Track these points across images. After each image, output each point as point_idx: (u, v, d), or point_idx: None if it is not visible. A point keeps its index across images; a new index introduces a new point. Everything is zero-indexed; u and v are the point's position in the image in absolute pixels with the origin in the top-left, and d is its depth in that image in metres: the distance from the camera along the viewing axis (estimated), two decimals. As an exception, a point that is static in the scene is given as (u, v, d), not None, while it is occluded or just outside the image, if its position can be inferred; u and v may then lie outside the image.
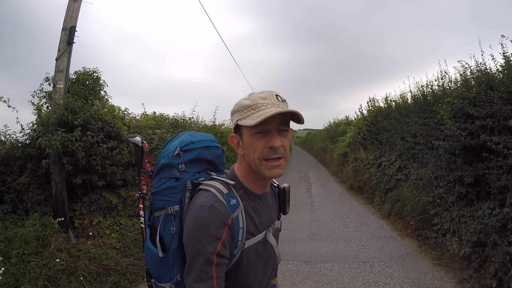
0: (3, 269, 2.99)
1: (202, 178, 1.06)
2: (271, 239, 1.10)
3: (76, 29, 4.21)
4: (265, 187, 1.10)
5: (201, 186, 1.03)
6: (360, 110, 10.97)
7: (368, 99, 10.21)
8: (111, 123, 4.35)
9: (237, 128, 1.03)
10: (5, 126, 4.12)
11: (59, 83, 4.09)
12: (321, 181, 11.17)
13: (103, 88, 4.94)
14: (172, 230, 1.02)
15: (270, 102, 0.97)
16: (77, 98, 4.18)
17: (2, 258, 3.12)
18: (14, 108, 4.04)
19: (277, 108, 0.96)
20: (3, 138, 4.09)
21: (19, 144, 4.13)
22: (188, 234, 0.95)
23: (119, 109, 5.02)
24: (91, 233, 4.07)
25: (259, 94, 1.00)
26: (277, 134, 0.97)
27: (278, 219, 1.21)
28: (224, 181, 1.03)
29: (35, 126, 4.18)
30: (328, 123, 19.33)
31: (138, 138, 1.23)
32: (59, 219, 3.94)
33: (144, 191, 1.24)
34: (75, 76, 4.73)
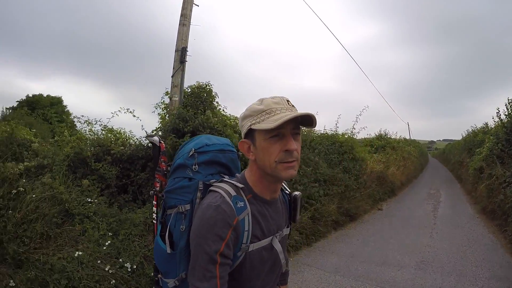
0: (109, 241, 3.76)
1: (214, 180, 1.10)
2: (277, 245, 1.12)
3: (187, 49, 4.91)
4: (275, 192, 1.12)
5: (211, 188, 1.07)
6: (498, 115, 8.93)
7: (507, 100, 8.25)
8: (220, 130, 4.70)
9: (249, 133, 1.05)
10: (130, 131, 5.21)
11: (174, 97, 4.88)
12: (451, 201, 9.81)
13: (215, 99, 5.41)
14: (182, 228, 1.08)
15: (283, 106, 1.01)
16: (189, 109, 4.80)
17: (111, 234, 3.93)
18: (137, 117, 5.08)
19: (290, 112, 0.99)
20: (131, 142, 5.14)
21: (143, 146, 5.07)
22: (194, 232, 1.00)
23: (235, 118, 5.37)
24: None
25: (272, 99, 1.03)
26: (291, 137, 1.00)
27: (287, 227, 1.23)
28: (233, 184, 1.06)
29: (156, 132, 5.09)
30: (465, 132, 17.54)
31: (156, 138, 1.33)
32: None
33: (157, 189, 1.31)
34: (190, 89, 5.42)
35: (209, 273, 0.95)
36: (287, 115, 0.97)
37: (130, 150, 4.99)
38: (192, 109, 4.90)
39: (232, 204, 1.01)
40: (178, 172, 1.17)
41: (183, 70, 5.05)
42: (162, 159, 1.32)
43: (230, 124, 5.10)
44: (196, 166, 1.14)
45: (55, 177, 4.53)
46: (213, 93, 5.54)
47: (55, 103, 20.57)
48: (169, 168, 1.25)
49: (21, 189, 4.09)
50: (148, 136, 1.35)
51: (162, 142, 1.33)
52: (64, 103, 22.47)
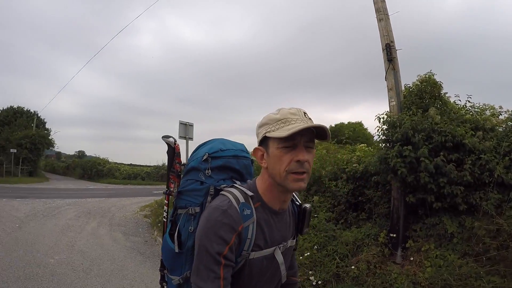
0: (308, 253, 4.10)
1: (225, 185, 1.17)
2: (279, 256, 1.16)
3: (392, 45, 4.29)
4: (284, 202, 1.15)
5: (221, 192, 1.13)
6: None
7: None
8: (445, 132, 3.86)
9: (263, 141, 1.10)
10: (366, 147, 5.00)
11: (391, 101, 4.32)
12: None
13: (441, 90, 4.32)
14: (190, 229, 1.15)
15: (299, 118, 1.05)
16: (406, 112, 4.20)
17: (317, 247, 4.23)
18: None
19: (306, 123, 1.03)
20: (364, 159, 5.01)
21: (376, 162, 4.69)
22: (199, 232, 1.05)
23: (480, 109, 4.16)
24: (411, 258, 3.84)
25: (289, 109, 1.08)
26: (304, 149, 1.04)
27: (294, 238, 1.27)
28: (243, 190, 1.11)
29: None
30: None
31: (171, 139, 1.36)
32: (392, 235, 4.13)
33: (171, 189, 1.37)
34: (412, 87, 4.57)
35: (213, 273, 0.99)
36: (302, 125, 1.01)
37: (362, 167, 4.97)
38: (415, 109, 4.20)
39: (239, 211, 1.05)
40: (191, 174, 1.24)
41: (394, 69, 4.43)
42: (176, 161, 1.35)
43: (470, 119, 4.08)
44: (209, 170, 1.20)
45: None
46: (438, 83, 4.50)
47: (355, 128, 23.03)
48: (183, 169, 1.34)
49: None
50: (164, 137, 1.38)
51: (177, 143, 1.37)
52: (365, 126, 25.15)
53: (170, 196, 1.35)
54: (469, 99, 4.69)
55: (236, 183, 1.16)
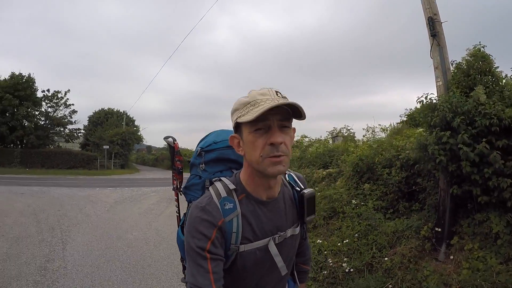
0: (347, 240, 4.30)
1: (216, 178, 1.16)
2: (272, 248, 1.12)
3: (436, 17, 4.15)
4: (270, 189, 1.11)
5: (209, 186, 1.15)
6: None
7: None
8: (493, 116, 3.54)
9: (238, 127, 1.07)
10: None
11: (438, 81, 4.18)
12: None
13: (493, 66, 3.98)
14: None
15: (269, 98, 1.00)
16: (455, 91, 3.93)
17: (358, 235, 4.40)
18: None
19: (276, 102, 0.98)
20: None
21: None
22: (185, 230, 1.08)
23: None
24: (452, 257, 3.75)
25: (258, 90, 1.03)
26: (278, 130, 1.00)
27: (297, 226, 1.22)
28: (226, 184, 1.10)
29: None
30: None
31: (170, 139, 1.43)
32: (437, 229, 4.08)
33: (174, 186, 1.46)
34: (463, 63, 4.25)
35: (202, 268, 1.00)
36: (268, 105, 0.96)
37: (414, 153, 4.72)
38: (455, 89, 3.97)
39: (219, 206, 1.05)
40: (193, 169, 1.30)
41: (439, 45, 4.21)
42: (177, 158, 1.43)
43: None
44: (203, 165, 1.24)
45: (343, 181, 5.49)
46: (488, 57, 4.08)
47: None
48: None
49: (316, 188, 5.45)
50: (164, 138, 1.46)
51: (176, 142, 1.44)
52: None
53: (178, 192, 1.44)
54: None
55: (223, 176, 1.17)
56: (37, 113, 30.31)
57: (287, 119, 1.01)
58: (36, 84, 29.56)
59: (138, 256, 5.23)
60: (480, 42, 4.18)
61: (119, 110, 41.37)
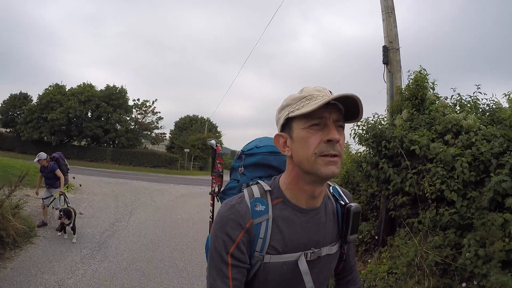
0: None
1: (253, 182, 1.11)
2: (303, 265, 0.99)
3: (390, 45, 5.37)
4: (313, 198, 1.02)
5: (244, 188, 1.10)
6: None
7: None
8: (401, 139, 4.30)
9: (286, 125, 1.01)
10: None
11: (387, 105, 5.32)
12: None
13: (427, 91, 4.91)
14: None
15: (325, 95, 0.96)
16: (396, 116, 4.88)
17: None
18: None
19: (341, 94, 0.92)
20: None
21: None
22: (211, 230, 1.03)
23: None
24: (369, 260, 4.55)
25: (313, 87, 0.99)
26: (335, 127, 0.94)
27: (335, 245, 1.10)
28: (262, 186, 1.06)
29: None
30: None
31: (213, 142, 1.49)
32: (376, 237, 4.87)
33: (213, 189, 1.49)
34: (405, 88, 5.07)
35: (221, 273, 0.96)
36: (332, 96, 0.92)
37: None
38: (406, 112, 4.75)
39: (249, 206, 1.00)
40: (232, 173, 1.30)
41: (390, 72, 5.23)
42: (218, 161, 1.47)
43: (448, 120, 4.28)
44: (242, 168, 1.24)
45: None
46: (423, 81, 4.87)
47: None
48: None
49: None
50: (208, 140, 1.50)
51: (218, 145, 1.48)
52: None
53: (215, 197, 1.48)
54: (477, 92, 4.71)
55: (261, 180, 1.11)
56: (128, 118, 36.22)
57: (342, 119, 0.97)
58: (127, 94, 35.63)
59: (175, 228, 7.69)
60: (420, 65, 5.05)
61: (203, 117, 46.53)
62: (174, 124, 45.68)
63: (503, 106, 4.65)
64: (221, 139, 42.69)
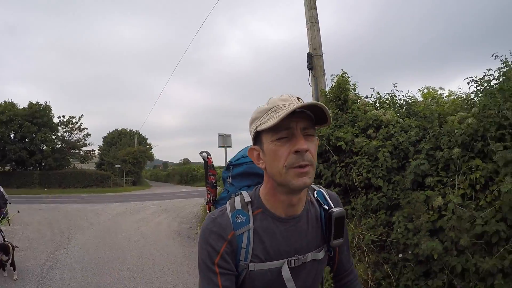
0: None
1: (239, 192, 1.13)
2: (285, 272, 1.03)
3: (314, 52, 6.01)
4: (291, 207, 1.05)
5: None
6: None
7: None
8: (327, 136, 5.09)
9: (257, 137, 1.03)
10: None
11: None
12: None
13: (349, 93, 5.43)
14: None
15: (291, 103, 0.96)
16: None
17: None
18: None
19: (302, 103, 0.94)
20: None
21: None
22: (198, 241, 1.07)
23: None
24: None
25: (279, 97, 1.00)
26: (302, 137, 0.95)
27: (321, 250, 1.12)
28: (243, 197, 1.08)
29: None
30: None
31: (204, 154, 1.54)
32: None
33: (208, 199, 1.54)
34: (329, 90, 5.57)
35: (212, 282, 0.99)
36: (292, 107, 0.92)
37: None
38: (331, 113, 5.33)
39: (230, 218, 1.03)
40: (224, 184, 1.38)
41: (314, 76, 5.81)
42: (210, 173, 1.51)
43: (369, 116, 4.83)
44: (230, 179, 1.31)
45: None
46: (349, 85, 5.43)
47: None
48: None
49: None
50: (200, 153, 1.55)
51: (210, 157, 1.53)
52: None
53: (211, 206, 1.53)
54: (394, 91, 5.39)
55: (243, 191, 1.14)
56: (54, 137, 33.66)
57: (311, 126, 0.97)
58: (52, 111, 33.02)
59: (118, 248, 7.46)
60: (342, 69, 5.66)
61: (131, 130, 45.10)
62: (102, 139, 43.82)
63: (418, 100, 5.29)
64: (151, 151, 42.12)
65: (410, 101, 5.40)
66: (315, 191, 1.18)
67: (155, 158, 48.98)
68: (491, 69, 3.92)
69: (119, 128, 45.05)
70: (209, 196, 1.52)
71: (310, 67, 6.08)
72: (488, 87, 3.92)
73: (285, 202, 1.03)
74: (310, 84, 6.16)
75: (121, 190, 30.47)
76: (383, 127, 4.64)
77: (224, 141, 11.66)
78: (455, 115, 3.98)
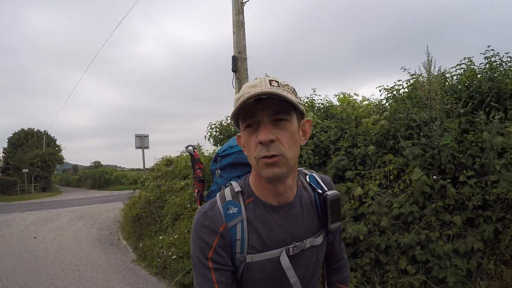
0: (177, 236, 6.04)
1: (229, 184, 1.10)
2: (284, 261, 1.00)
3: (239, 55, 6.18)
4: (279, 195, 1.01)
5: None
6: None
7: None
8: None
9: (238, 125, 0.98)
10: None
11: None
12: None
13: None
14: None
15: (259, 89, 0.88)
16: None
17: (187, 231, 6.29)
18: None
19: (254, 92, 0.87)
20: None
21: None
22: (191, 237, 1.03)
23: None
24: None
25: (250, 83, 0.94)
26: (270, 125, 0.89)
27: (319, 235, 1.09)
28: (233, 187, 1.05)
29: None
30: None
31: (190, 148, 1.52)
32: None
33: (195, 194, 1.52)
34: None
35: (206, 278, 0.96)
36: (243, 98, 0.87)
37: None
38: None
39: (221, 210, 1.00)
40: (214, 177, 1.30)
41: (238, 79, 6.04)
42: (197, 167, 1.49)
43: None
44: (219, 171, 1.25)
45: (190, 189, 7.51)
46: None
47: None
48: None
49: (174, 197, 7.49)
50: (186, 147, 1.54)
51: (196, 151, 1.49)
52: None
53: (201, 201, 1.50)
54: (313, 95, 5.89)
55: (233, 181, 1.11)
56: None
57: (283, 111, 0.89)
58: None
59: (37, 262, 6.80)
60: (266, 74, 5.89)
61: (39, 130, 40.55)
62: (7, 141, 38.49)
63: (335, 104, 5.80)
64: (61, 153, 38.77)
65: (327, 104, 5.91)
66: (307, 176, 1.15)
67: (65, 161, 45.25)
68: (401, 80, 4.68)
69: (26, 128, 40.03)
70: (196, 191, 1.49)
71: (235, 69, 6.23)
72: (397, 95, 4.62)
73: (271, 190, 0.99)
74: (234, 86, 6.31)
75: (31, 197, 27.42)
76: (305, 127, 5.10)
77: (142, 141, 11.27)
78: (369, 118, 4.53)
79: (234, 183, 1.07)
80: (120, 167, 42.17)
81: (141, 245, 7.04)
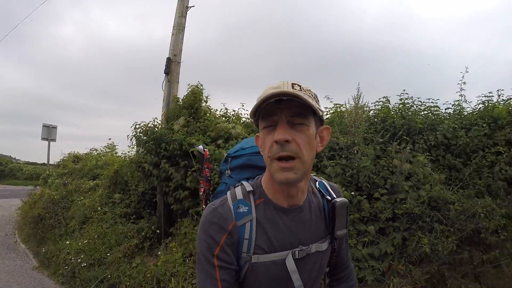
0: (86, 241, 5.64)
1: (239, 184, 1.10)
2: (290, 264, 1.00)
3: (174, 58, 5.99)
4: (291, 197, 1.02)
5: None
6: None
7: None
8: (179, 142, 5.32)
9: (258, 125, 1.00)
10: None
11: (162, 111, 5.84)
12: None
13: (201, 103, 5.83)
14: None
15: (281, 90, 0.90)
16: (173, 122, 5.64)
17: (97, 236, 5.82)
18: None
19: (272, 92, 0.90)
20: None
21: None
22: (198, 232, 1.04)
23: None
24: (159, 253, 4.83)
25: (273, 84, 0.96)
26: (287, 126, 0.91)
27: (324, 241, 1.10)
28: (245, 186, 1.05)
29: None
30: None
31: (200, 147, 1.51)
32: (157, 231, 5.42)
33: (201, 193, 1.49)
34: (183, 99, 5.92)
35: (210, 275, 0.97)
36: (264, 96, 0.90)
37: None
38: (183, 119, 5.42)
39: (232, 208, 1.00)
40: (222, 177, 1.28)
41: (169, 81, 5.96)
42: (206, 166, 1.46)
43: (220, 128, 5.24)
44: (229, 171, 1.23)
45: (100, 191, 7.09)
46: (202, 96, 5.79)
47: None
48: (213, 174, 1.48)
49: (82, 198, 6.85)
50: (196, 146, 1.49)
51: (206, 149, 1.48)
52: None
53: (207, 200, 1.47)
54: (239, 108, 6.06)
55: (244, 181, 1.13)
56: None
57: (301, 114, 0.92)
58: None
59: None
60: (198, 81, 5.93)
61: None
62: None
63: None
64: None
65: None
66: (317, 182, 1.18)
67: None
68: (326, 107, 5.49)
69: None
70: (202, 190, 1.48)
71: (167, 71, 6.10)
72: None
73: (283, 192, 1.01)
74: (163, 89, 6.16)
75: None
76: (233, 139, 5.11)
77: (49, 133, 10.20)
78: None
79: (245, 182, 1.08)
80: (15, 158, 36.71)
81: (43, 250, 6.30)
